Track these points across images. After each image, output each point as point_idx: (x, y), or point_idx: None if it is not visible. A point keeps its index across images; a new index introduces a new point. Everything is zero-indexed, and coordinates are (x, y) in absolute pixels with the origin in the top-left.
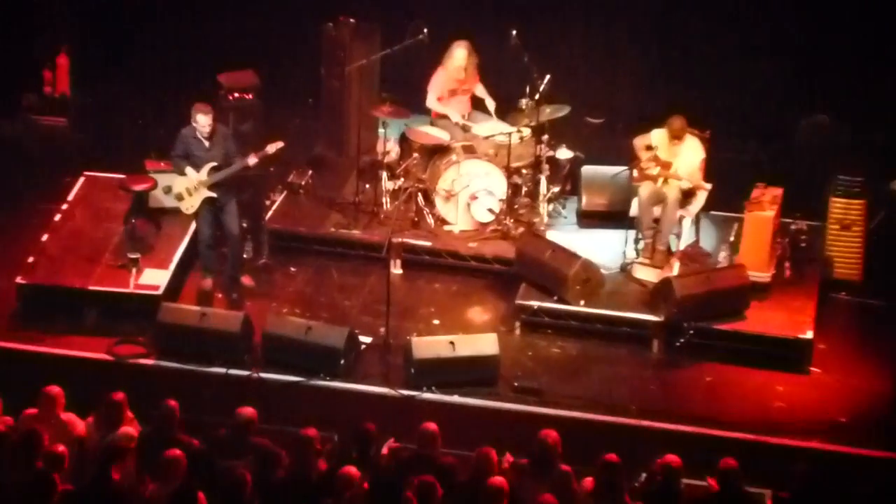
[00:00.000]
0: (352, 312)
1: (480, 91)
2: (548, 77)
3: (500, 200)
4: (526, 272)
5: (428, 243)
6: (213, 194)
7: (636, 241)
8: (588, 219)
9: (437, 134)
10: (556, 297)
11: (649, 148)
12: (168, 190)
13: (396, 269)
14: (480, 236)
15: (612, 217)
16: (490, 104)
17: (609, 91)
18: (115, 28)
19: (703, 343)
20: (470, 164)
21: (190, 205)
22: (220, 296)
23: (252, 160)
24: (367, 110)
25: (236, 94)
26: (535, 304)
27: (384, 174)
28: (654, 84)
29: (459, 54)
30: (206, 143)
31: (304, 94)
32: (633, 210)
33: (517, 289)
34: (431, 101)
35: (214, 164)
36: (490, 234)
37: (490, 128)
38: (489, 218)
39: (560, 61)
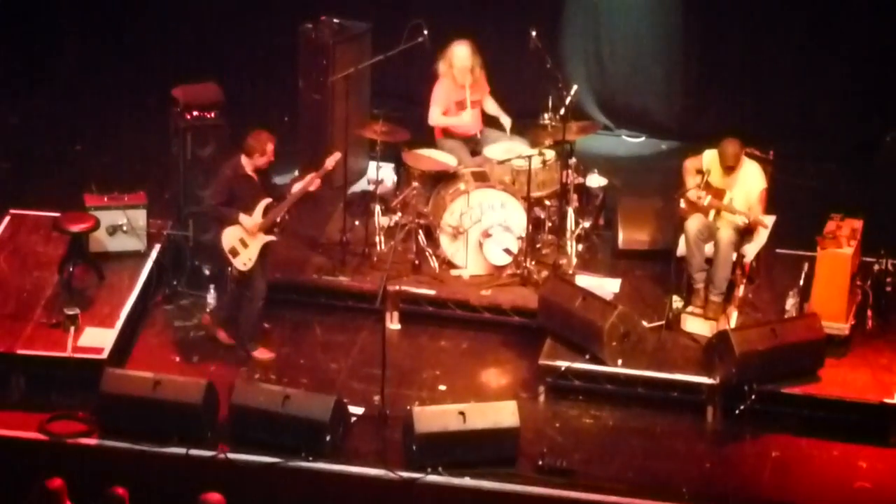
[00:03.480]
0: (339, 377)
1: (491, 107)
2: (575, 87)
3: (519, 238)
4: (551, 325)
5: (431, 291)
6: (273, 237)
7: (685, 286)
8: (626, 259)
9: (442, 158)
10: (588, 356)
11: (700, 172)
12: (113, 230)
13: (393, 324)
14: (495, 282)
15: (656, 257)
16: (505, 121)
17: (650, 103)
18: (43, 31)
19: (768, 410)
20: (482, 195)
21: (248, 258)
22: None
23: (316, 183)
24: (356, 130)
25: (195, 113)
26: (563, 364)
27: (377, 208)
28: (706, 94)
29: (461, 52)
30: (256, 178)
31: (278, 110)
32: (681, 249)
33: (541, 346)
34: (435, 117)
35: (268, 200)
36: (507, 279)
37: (506, 149)
38: (506, 260)
39: (590, 68)
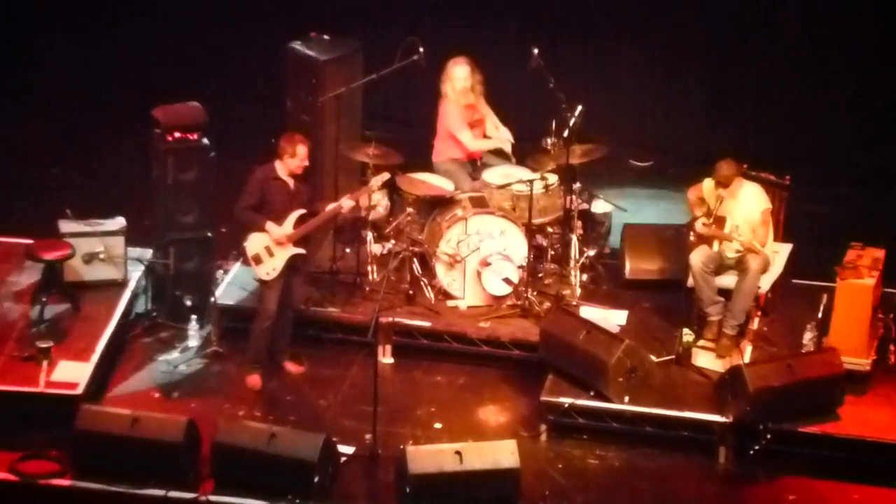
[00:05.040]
0: (328, 414)
1: (490, 125)
2: (580, 108)
3: (520, 267)
4: (554, 360)
5: (427, 324)
6: (301, 250)
7: (696, 318)
8: (633, 290)
9: (438, 183)
10: (593, 393)
11: (703, 201)
12: (89, 259)
13: (386, 358)
14: (494, 314)
15: (665, 287)
16: (505, 134)
17: (659, 126)
18: (17, 47)
19: (783, 450)
20: (480, 221)
21: (272, 268)
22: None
23: (348, 204)
24: (347, 153)
25: (177, 134)
26: (567, 401)
27: (369, 235)
28: (717, 117)
29: (460, 72)
30: (291, 185)
31: (265, 132)
32: (691, 280)
33: (542, 381)
34: (468, 140)
35: (302, 211)
36: (507, 310)
37: (506, 174)
38: (505, 290)
39: (595, 87)
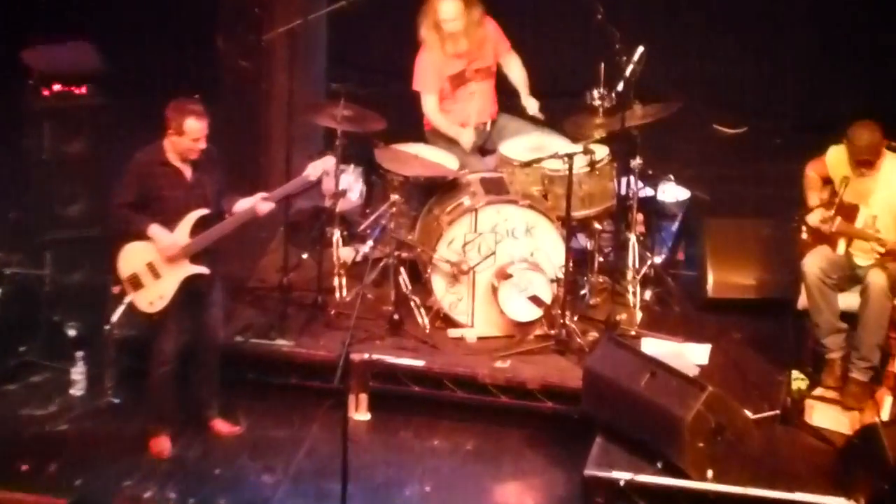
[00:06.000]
0: (275, 496)
1: (516, 68)
2: (640, 50)
3: (554, 281)
4: (603, 415)
5: (419, 362)
6: (202, 269)
7: (811, 356)
8: (719, 314)
9: (435, 158)
10: (660, 464)
11: (828, 183)
12: None
13: (360, 413)
14: (517, 349)
15: (764, 311)
16: (530, 104)
17: (756, 77)
18: None
19: None
20: (496, 214)
21: (157, 295)
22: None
23: (266, 206)
24: (305, 114)
25: (57, 87)
26: (622, 476)
27: (337, 234)
28: (839, 64)
29: (447, 8)
30: (189, 175)
31: (186, 84)
32: (803, 300)
33: (588, 446)
34: (430, 107)
35: (202, 212)
36: (535, 343)
37: (533, 145)
38: (533, 314)
39: (664, 22)
